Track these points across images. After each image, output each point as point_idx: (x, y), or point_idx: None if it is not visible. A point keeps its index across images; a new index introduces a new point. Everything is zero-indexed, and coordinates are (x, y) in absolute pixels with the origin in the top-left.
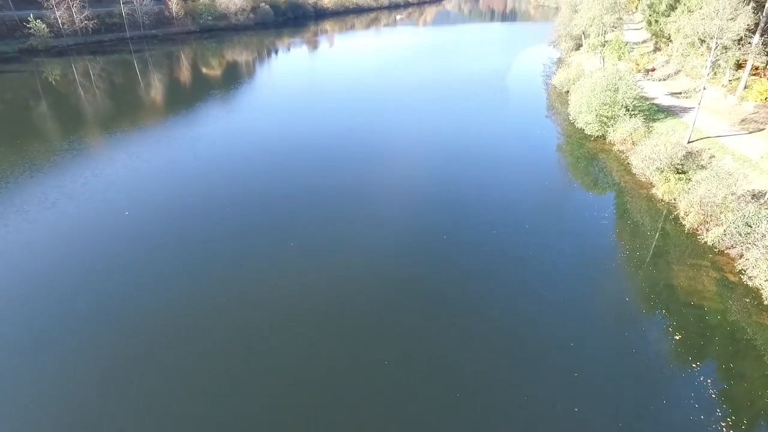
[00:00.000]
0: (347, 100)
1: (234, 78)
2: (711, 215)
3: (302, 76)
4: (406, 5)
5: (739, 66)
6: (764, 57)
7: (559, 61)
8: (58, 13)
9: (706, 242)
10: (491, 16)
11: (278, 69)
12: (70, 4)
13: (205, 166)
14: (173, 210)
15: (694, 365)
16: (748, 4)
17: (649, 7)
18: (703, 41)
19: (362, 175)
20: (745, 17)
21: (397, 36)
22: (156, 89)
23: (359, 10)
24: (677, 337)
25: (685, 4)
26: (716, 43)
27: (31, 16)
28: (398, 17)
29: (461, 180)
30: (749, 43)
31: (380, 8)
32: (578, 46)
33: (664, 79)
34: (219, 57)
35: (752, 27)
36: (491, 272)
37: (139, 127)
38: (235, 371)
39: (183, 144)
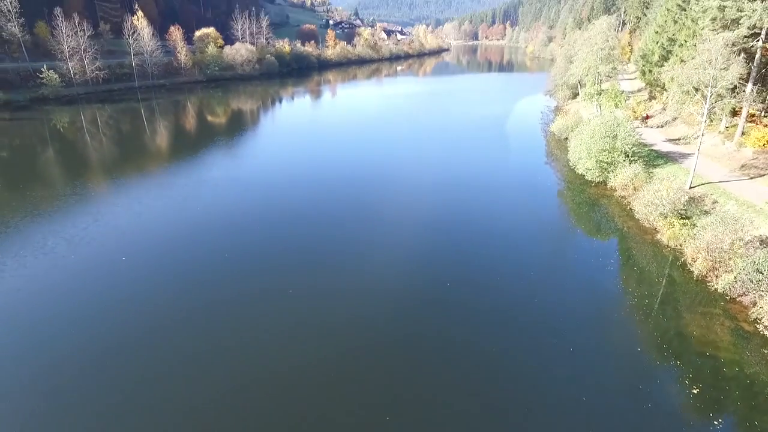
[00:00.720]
0: (349, 147)
1: (238, 125)
2: (719, 261)
3: (305, 124)
4: (407, 57)
5: (735, 113)
6: (759, 105)
7: (557, 109)
8: (70, 64)
9: (716, 289)
10: (489, 67)
11: (282, 117)
12: (83, 55)
13: (205, 211)
14: (171, 255)
15: (715, 422)
16: (739, 55)
17: (642, 57)
18: (697, 90)
19: (363, 222)
20: (738, 67)
21: (398, 85)
22: (161, 136)
23: (361, 62)
24: (695, 391)
25: (677, 55)
26: (711, 91)
27: (45, 66)
28: (399, 68)
29: (463, 226)
30: (743, 91)
31: (381, 60)
32: (574, 95)
33: (662, 126)
34: (224, 105)
35: (745, 76)
36: (497, 321)
37: (143, 173)
38: (230, 423)
39: (185, 189)
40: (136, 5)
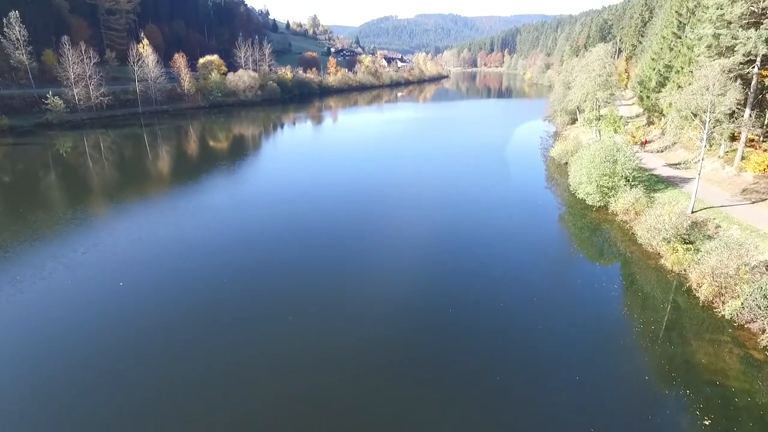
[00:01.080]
0: (349, 172)
1: (240, 150)
2: (725, 287)
3: (306, 149)
4: (407, 83)
5: (734, 138)
6: (758, 129)
7: (556, 135)
8: (75, 90)
9: (723, 315)
10: (488, 93)
11: (283, 142)
12: (88, 82)
13: (205, 236)
14: (169, 281)
15: None
16: (736, 81)
17: (640, 83)
18: (695, 115)
19: (364, 247)
20: (735, 92)
21: (398, 111)
22: (163, 161)
23: (362, 88)
24: (706, 422)
25: (674, 81)
26: (709, 117)
27: (50, 93)
28: (399, 94)
29: (465, 252)
30: (742, 115)
31: (382, 86)
32: (573, 121)
33: (662, 151)
34: (226, 131)
35: (742, 101)
36: (501, 348)
37: (144, 198)
38: None
39: (186, 214)
40: (142, 33)
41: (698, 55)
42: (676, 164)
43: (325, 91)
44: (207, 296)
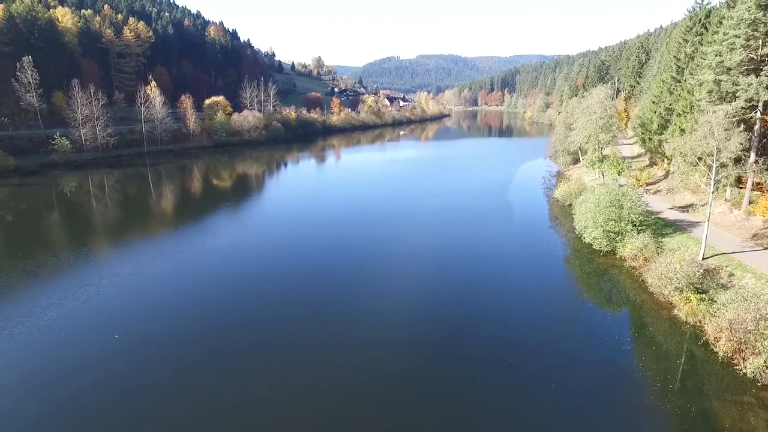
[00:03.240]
0: (352, 213)
1: (243, 190)
2: (745, 342)
3: (309, 189)
4: (409, 122)
5: (740, 181)
6: (767, 174)
7: (558, 175)
8: (83, 131)
9: (745, 374)
10: (489, 131)
11: (286, 181)
12: (96, 123)
13: (206, 280)
14: (167, 329)
15: None
16: (739, 126)
17: (642, 126)
18: (701, 159)
19: (366, 290)
20: (738, 137)
21: (400, 150)
22: (167, 200)
23: (365, 127)
24: None
25: (676, 124)
26: (715, 161)
27: (57, 133)
28: (401, 133)
29: (471, 299)
30: (747, 160)
31: (384, 125)
32: (576, 161)
33: (667, 193)
34: (230, 170)
35: (747, 145)
36: (512, 404)
37: (147, 239)
38: None
39: (189, 257)
40: (151, 75)
41: (699, 100)
42: (682, 207)
43: (328, 131)
44: (203, 344)
